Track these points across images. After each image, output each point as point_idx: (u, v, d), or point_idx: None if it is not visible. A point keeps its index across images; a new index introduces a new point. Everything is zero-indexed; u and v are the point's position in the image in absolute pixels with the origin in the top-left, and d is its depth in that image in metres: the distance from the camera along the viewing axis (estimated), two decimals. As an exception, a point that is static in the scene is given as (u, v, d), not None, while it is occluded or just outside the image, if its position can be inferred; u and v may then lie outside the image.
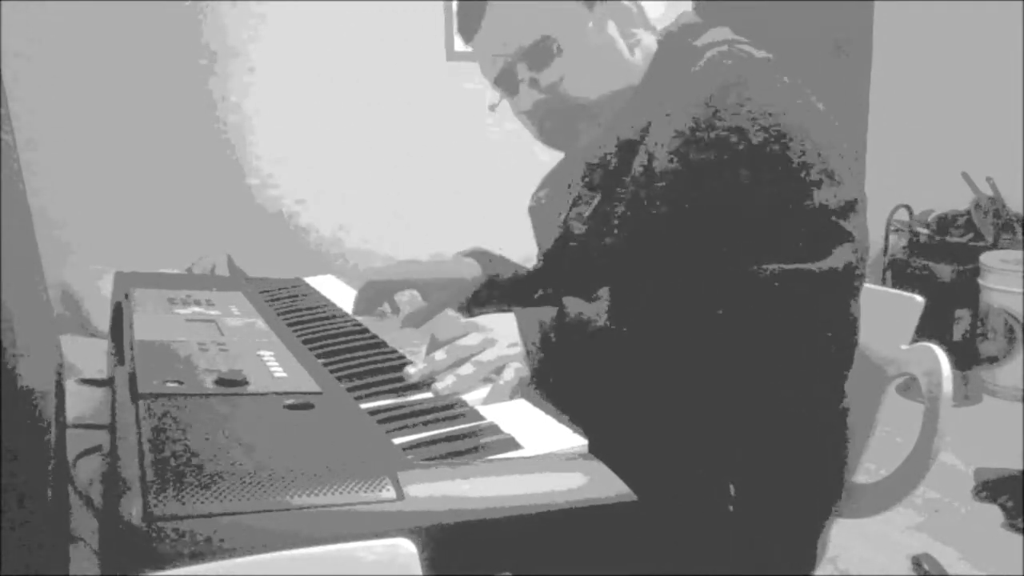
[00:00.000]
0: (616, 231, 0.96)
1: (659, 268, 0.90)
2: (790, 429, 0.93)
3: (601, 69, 1.00)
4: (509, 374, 0.83)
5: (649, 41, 1.04)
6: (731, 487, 0.90)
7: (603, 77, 1.00)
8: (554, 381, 0.85)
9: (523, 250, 1.26)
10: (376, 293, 1.12)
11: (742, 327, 0.85)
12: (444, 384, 0.79)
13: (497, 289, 1.14)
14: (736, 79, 0.90)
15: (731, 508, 0.90)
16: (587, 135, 1.02)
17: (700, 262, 0.87)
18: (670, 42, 1.04)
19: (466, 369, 0.82)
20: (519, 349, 0.86)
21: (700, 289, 0.87)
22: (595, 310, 0.89)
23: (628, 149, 0.97)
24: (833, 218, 0.86)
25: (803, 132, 0.87)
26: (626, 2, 1.02)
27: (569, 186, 1.09)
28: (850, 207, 0.87)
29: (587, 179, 1.06)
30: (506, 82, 1.03)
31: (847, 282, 0.88)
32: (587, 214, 1.02)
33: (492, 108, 1.08)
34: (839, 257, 0.85)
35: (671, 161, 0.90)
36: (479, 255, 1.18)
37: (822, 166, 0.86)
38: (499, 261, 1.19)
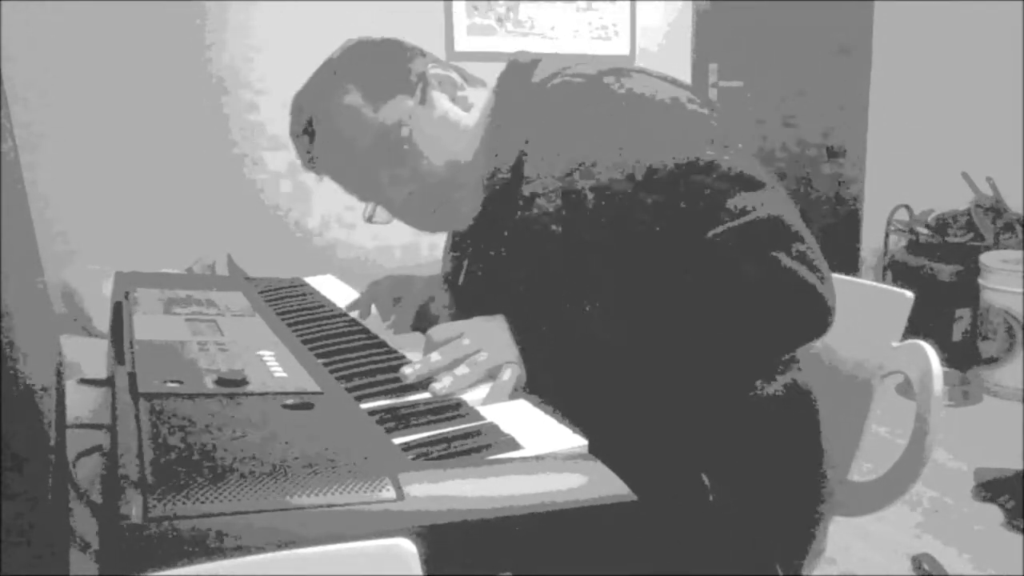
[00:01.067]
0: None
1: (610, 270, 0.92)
2: (751, 411, 0.95)
3: (445, 140, 0.99)
4: (507, 375, 0.83)
5: (479, 96, 1.04)
6: (703, 477, 0.91)
7: (451, 145, 0.99)
8: (545, 381, 0.86)
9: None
10: (386, 288, 1.12)
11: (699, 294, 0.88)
12: (441, 385, 0.79)
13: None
14: (591, 99, 0.94)
15: (711, 498, 0.91)
16: (465, 205, 1.02)
17: (647, 252, 0.90)
18: (505, 83, 1.04)
19: (462, 370, 0.82)
20: (514, 351, 0.86)
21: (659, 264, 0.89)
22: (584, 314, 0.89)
23: (502, 194, 0.98)
24: (733, 185, 0.88)
25: (671, 123, 0.91)
26: (441, 72, 1.01)
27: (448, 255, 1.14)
28: (746, 179, 0.89)
29: (454, 249, 1.11)
30: (371, 190, 1.02)
31: (776, 230, 0.88)
32: (460, 281, 1.07)
33: (369, 220, 1.06)
34: (758, 210, 0.87)
35: (568, 188, 0.92)
36: None
37: (699, 147, 0.89)
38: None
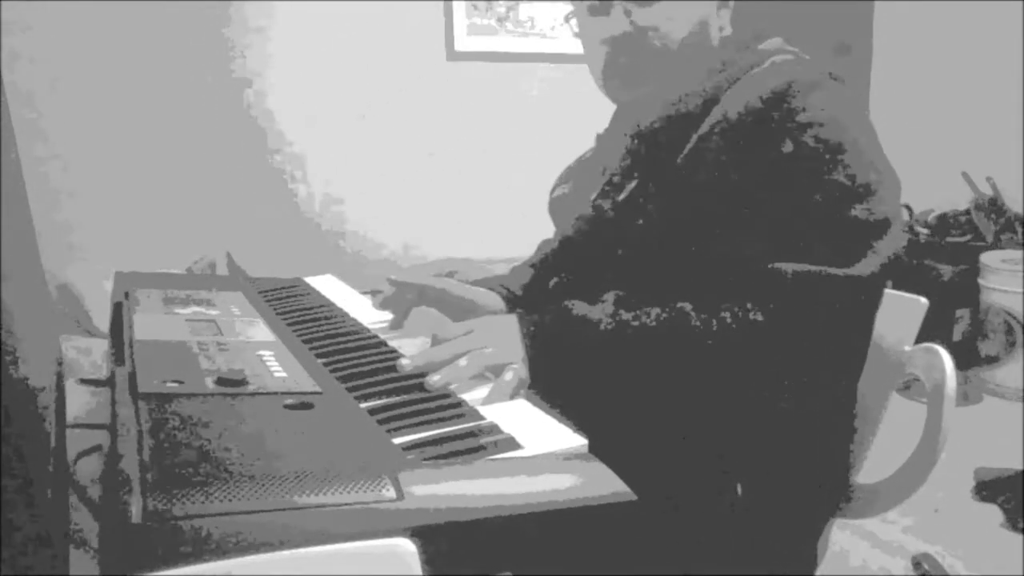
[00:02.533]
0: (648, 215, 0.96)
1: (678, 259, 0.91)
2: (799, 431, 0.93)
3: (691, 38, 1.01)
4: (509, 375, 0.83)
5: (727, 27, 1.06)
6: (738, 487, 0.90)
7: (689, 44, 1.01)
8: (557, 382, 0.85)
9: (525, 248, 1.26)
10: (399, 292, 1.10)
11: (759, 326, 0.85)
12: (437, 378, 0.78)
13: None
14: (800, 82, 0.92)
15: (734, 508, 0.90)
16: (652, 85, 1.02)
17: (721, 255, 0.88)
18: (735, 40, 1.06)
19: (462, 362, 0.81)
20: (520, 352, 0.86)
21: (718, 284, 0.87)
22: (600, 312, 0.89)
23: (679, 125, 0.98)
24: (864, 231, 0.87)
25: (854, 145, 0.89)
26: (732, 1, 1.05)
27: (604, 171, 1.09)
28: (885, 224, 0.88)
29: (627, 158, 1.05)
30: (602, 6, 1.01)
31: (869, 292, 0.88)
32: (621, 198, 1.02)
33: (567, 19, 1.08)
34: (865, 267, 0.85)
35: (720, 150, 0.92)
36: (504, 291, 1.15)
37: (864, 180, 0.88)
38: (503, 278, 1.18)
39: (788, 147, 0.88)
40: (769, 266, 0.86)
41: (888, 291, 1.09)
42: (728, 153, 0.91)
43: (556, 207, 1.18)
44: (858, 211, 0.87)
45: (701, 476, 0.90)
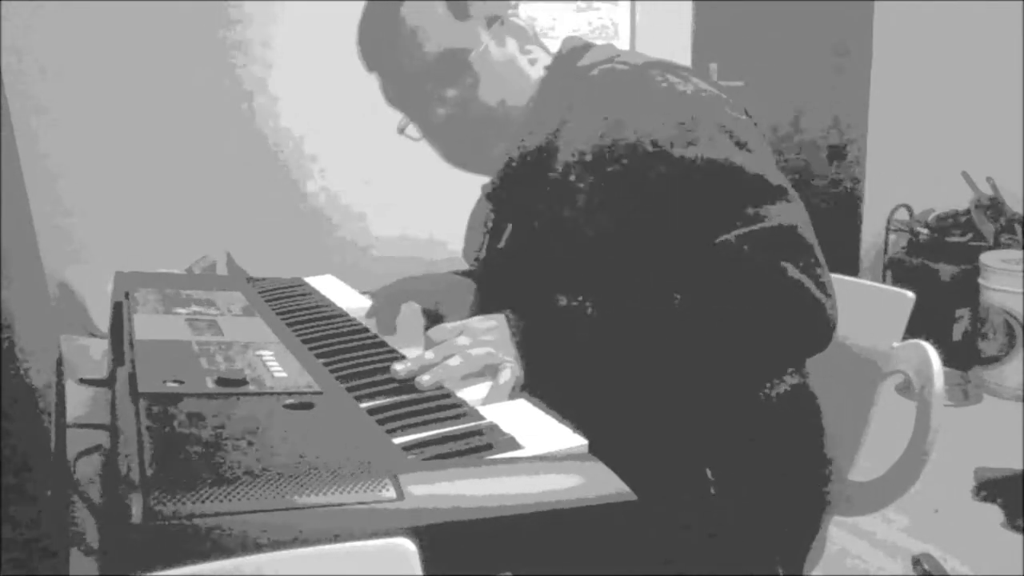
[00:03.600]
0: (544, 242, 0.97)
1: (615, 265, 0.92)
2: (766, 422, 0.95)
3: (505, 83, 1.03)
4: (506, 374, 0.83)
5: (545, 58, 1.07)
6: (708, 471, 0.91)
7: (507, 90, 1.03)
8: (542, 378, 0.86)
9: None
10: (386, 301, 1.11)
11: (705, 302, 0.87)
12: (427, 377, 0.79)
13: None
14: (633, 88, 0.95)
15: (712, 492, 0.91)
16: (496, 148, 1.04)
17: (652, 251, 0.91)
18: (556, 63, 1.07)
19: (453, 361, 0.82)
20: (511, 349, 0.87)
21: (665, 270, 0.89)
22: (578, 309, 0.90)
23: (535, 156, 1.00)
24: (752, 190, 0.89)
25: (707, 122, 0.91)
26: (519, 22, 1.05)
27: (485, 223, 1.11)
28: (766, 186, 0.89)
29: (493, 205, 1.08)
30: (415, 100, 1.04)
31: (789, 241, 0.88)
32: (500, 245, 1.05)
33: (401, 131, 1.09)
34: (774, 219, 0.87)
35: (591, 169, 0.93)
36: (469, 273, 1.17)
37: (729, 149, 0.90)
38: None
39: (649, 149, 0.90)
40: (703, 245, 0.88)
41: (874, 285, 1.09)
42: (593, 177, 0.93)
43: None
44: (746, 172, 0.89)
45: (677, 463, 0.91)
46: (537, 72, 1.05)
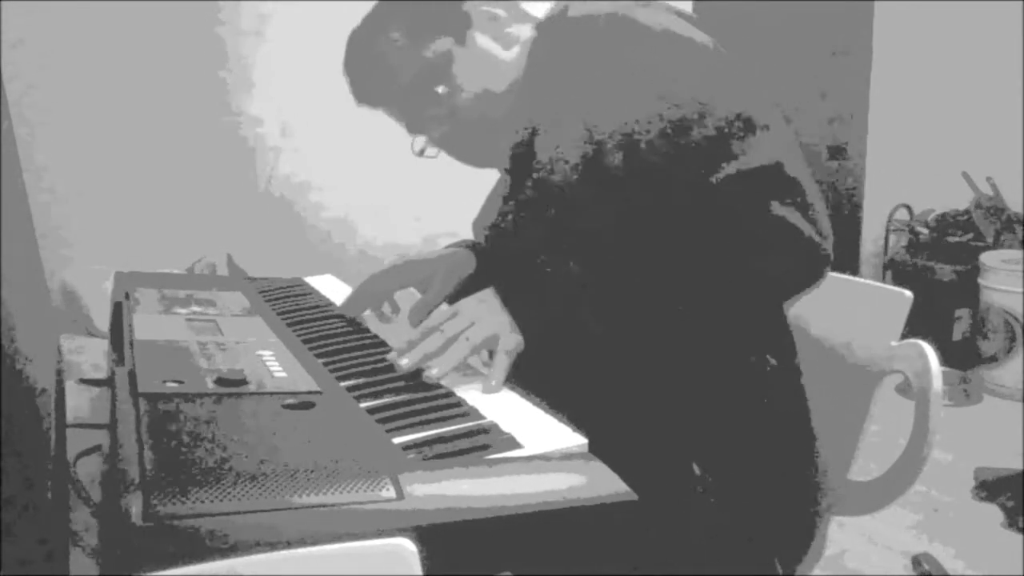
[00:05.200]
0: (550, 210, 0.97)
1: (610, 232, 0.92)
2: (756, 419, 0.95)
3: (484, 77, 1.01)
4: (508, 344, 0.85)
5: (526, 31, 1.04)
6: (703, 472, 0.91)
7: (487, 82, 1.01)
8: (534, 374, 0.87)
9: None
10: (372, 294, 1.12)
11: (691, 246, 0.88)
12: (435, 371, 0.81)
13: (492, 273, 1.12)
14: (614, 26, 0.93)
15: (709, 491, 0.91)
16: (501, 139, 1.04)
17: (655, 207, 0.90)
18: (546, 23, 1.04)
19: (454, 348, 0.84)
20: (505, 317, 0.88)
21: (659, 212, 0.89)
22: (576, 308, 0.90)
23: (540, 127, 0.99)
24: (736, 127, 0.88)
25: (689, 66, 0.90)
26: (488, 8, 1.02)
27: (503, 198, 1.12)
28: (749, 122, 0.88)
29: (511, 178, 1.08)
30: (416, 125, 1.06)
31: (771, 179, 0.88)
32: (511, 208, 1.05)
33: (420, 153, 1.10)
34: (754, 158, 0.87)
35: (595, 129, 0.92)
36: (470, 245, 1.18)
37: (710, 89, 0.89)
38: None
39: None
40: (701, 186, 0.87)
41: (872, 284, 1.09)
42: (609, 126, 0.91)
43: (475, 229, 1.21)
44: (730, 108, 0.88)
45: (665, 458, 0.91)
46: (516, 50, 1.02)
